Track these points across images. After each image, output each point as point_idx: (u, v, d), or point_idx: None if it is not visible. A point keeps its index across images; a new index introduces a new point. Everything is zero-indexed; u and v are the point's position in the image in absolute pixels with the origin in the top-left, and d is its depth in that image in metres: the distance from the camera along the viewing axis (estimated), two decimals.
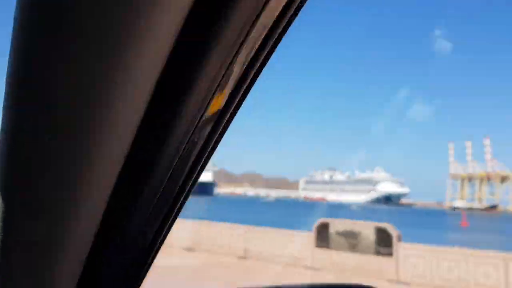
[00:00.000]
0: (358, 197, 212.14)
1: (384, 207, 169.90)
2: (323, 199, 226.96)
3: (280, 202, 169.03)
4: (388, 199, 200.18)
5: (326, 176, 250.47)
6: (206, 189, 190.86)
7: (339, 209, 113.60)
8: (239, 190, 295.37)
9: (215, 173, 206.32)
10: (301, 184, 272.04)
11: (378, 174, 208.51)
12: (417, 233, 47.98)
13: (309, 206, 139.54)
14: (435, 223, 71.20)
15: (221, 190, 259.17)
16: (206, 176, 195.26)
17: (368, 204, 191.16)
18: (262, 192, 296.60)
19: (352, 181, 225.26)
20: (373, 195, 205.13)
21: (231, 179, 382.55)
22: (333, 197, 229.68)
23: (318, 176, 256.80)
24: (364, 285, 1.72)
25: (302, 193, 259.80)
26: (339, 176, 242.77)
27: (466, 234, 52.38)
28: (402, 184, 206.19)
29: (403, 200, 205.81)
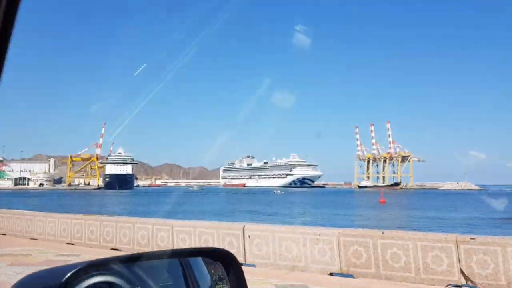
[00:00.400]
0: (276, 182, 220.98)
1: (300, 189, 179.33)
2: (243, 186, 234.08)
3: (210, 190, 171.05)
4: (303, 182, 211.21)
5: (245, 164, 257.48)
6: (127, 182, 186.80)
7: (266, 194, 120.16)
8: (159, 181, 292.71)
9: (133, 166, 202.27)
10: (221, 172, 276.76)
11: (294, 159, 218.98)
12: (353, 212, 54.04)
13: (252, 193, 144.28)
14: (355, 203, 76.98)
15: (140, 182, 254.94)
16: (126, 169, 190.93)
17: (286, 187, 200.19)
18: (182, 182, 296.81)
19: (270, 167, 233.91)
20: (290, 179, 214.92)
21: (149, 171, 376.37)
22: (252, 183, 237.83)
23: (237, 164, 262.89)
24: (219, 248, 1.86)
25: (222, 181, 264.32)
26: (257, 163, 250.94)
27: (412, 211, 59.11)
28: (315, 168, 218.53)
29: (316, 182, 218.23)
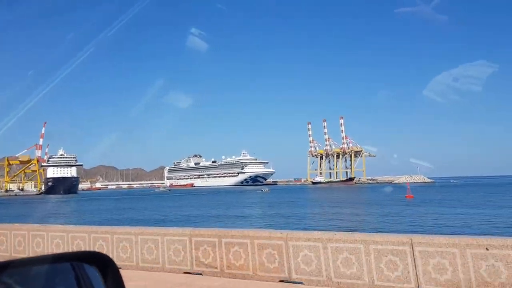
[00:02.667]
0: (227, 180, 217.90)
1: (251, 187, 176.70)
2: (191, 186, 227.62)
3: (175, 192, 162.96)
4: (255, 180, 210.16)
5: (192, 163, 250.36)
6: (72, 186, 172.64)
7: (243, 194, 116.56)
8: (98, 184, 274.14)
9: (78, 169, 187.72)
10: (166, 173, 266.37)
11: (244, 157, 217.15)
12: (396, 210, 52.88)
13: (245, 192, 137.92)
14: (378, 199, 72.99)
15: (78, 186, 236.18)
16: (71, 172, 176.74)
17: (238, 186, 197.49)
18: (123, 184, 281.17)
19: (219, 166, 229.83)
20: (242, 177, 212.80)
21: (83, 173, 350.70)
22: (200, 183, 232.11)
23: (183, 164, 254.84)
24: (95, 252, 1.75)
25: (168, 181, 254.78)
26: (205, 162, 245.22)
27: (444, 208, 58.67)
28: (267, 165, 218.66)
29: (268, 180, 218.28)
